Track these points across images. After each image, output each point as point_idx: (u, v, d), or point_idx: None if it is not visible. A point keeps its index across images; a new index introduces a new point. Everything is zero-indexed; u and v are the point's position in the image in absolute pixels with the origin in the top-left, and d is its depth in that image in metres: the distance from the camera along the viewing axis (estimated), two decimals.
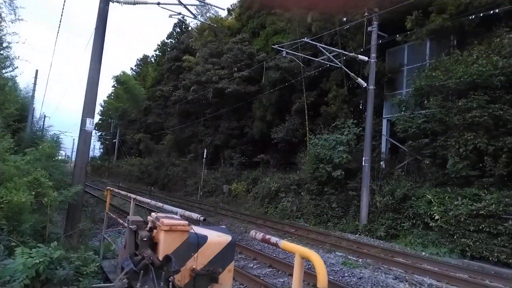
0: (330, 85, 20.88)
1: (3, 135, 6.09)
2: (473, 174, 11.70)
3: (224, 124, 29.23)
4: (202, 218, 3.33)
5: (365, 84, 15.33)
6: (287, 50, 16.53)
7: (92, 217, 12.92)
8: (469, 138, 11.45)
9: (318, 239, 12.41)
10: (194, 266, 2.71)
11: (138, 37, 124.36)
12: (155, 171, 36.46)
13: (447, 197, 11.88)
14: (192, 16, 11.74)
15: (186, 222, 2.74)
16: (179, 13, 11.06)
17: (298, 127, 22.60)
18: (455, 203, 11.33)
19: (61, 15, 16.42)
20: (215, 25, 29.44)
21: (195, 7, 29.73)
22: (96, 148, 69.39)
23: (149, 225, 2.82)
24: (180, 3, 10.91)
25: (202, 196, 26.80)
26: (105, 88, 70.10)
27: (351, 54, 15.33)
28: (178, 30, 44.88)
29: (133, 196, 5.74)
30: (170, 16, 11.20)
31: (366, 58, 15.34)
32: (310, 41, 14.98)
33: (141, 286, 2.07)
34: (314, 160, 16.89)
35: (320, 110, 21.19)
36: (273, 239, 2.70)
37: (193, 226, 2.86)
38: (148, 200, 4.92)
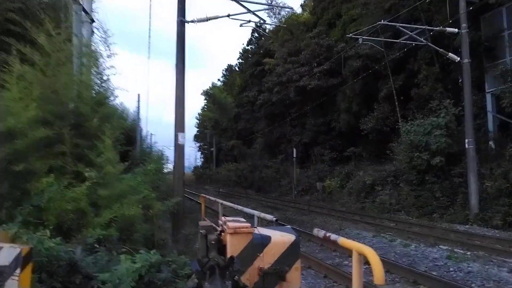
0: (418, 65, 19.30)
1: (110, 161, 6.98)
2: None
3: (310, 121, 29.04)
4: (275, 219, 3.43)
5: (458, 58, 13.84)
6: (363, 37, 15.80)
7: (196, 222, 13.99)
8: None
9: (421, 232, 11.56)
10: (261, 266, 2.82)
11: (224, 49, 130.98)
12: (250, 174, 37.82)
13: None
14: (262, 21, 12.00)
15: (249, 224, 2.87)
16: (249, 21, 11.40)
17: (389, 114, 21.35)
18: None
19: (149, 43, 18.16)
20: (285, 26, 29.44)
21: (267, 11, 30.18)
22: (198, 158, 74.80)
23: (219, 229, 3.02)
24: (249, 11, 11.25)
25: (297, 195, 26.97)
26: (198, 102, 75.25)
27: (437, 28, 13.99)
28: (257, 35, 45.98)
29: (220, 201, 6.12)
30: (241, 25, 11.61)
31: (456, 30, 13.85)
32: (387, 23, 14.09)
33: (209, 285, 2.25)
34: (409, 148, 15.80)
35: (411, 93, 19.71)
36: (333, 236, 2.67)
37: (258, 228, 2.97)
38: (231, 204, 5.20)
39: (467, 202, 13.41)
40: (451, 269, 7.12)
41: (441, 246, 9.25)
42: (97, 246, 4.98)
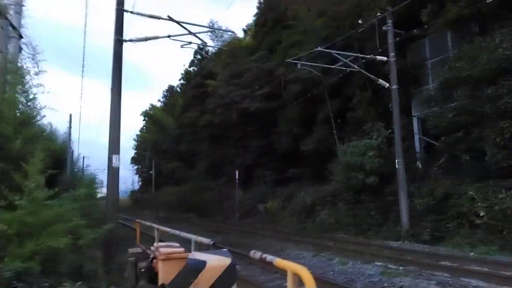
0: (353, 90, 20.55)
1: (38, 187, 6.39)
2: None
3: (252, 143, 29.32)
4: (211, 242, 3.30)
5: (387, 84, 14.94)
6: (301, 62, 16.50)
7: None
8: (504, 126, 10.83)
9: (357, 250, 11.96)
10: None
11: (164, 69, 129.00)
12: (192, 197, 36.92)
13: (490, 191, 11.20)
14: (203, 44, 12.04)
15: (183, 249, 2.72)
16: (190, 42, 11.37)
17: (327, 136, 22.22)
18: (500, 196, 10.66)
19: (83, 61, 17.35)
20: (227, 49, 29.99)
21: (209, 33, 30.54)
22: (135, 181, 71.56)
23: (151, 255, 2.82)
24: (190, 33, 11.22)
25: (240, 218, 26.75)
26: (137, 123, 72.93)
27: (368, 56, 15.04)
28: (199, 57, 46.12)
29: (156, 226, 5.83)
30: (182, 46, 11.53)
31: (385, 58, 14.99)
32: (324, 50, 14.88)
33: None
34: (345, 168, 16.48)
35: (347, 116, 20.80)
36: (269, 258, 2.62)
37: (193, 252, 2.82)
38: (167, 229, 4.96)
39: (399, 219, 14.19)
40: (385, 284, 7.39)
41: (376, 263, 9.62)
42: (15, 282, 4.46)
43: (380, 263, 9.54)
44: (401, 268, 8.96)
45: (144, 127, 58.19)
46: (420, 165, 16.17)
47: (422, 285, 7.14)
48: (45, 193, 5.79)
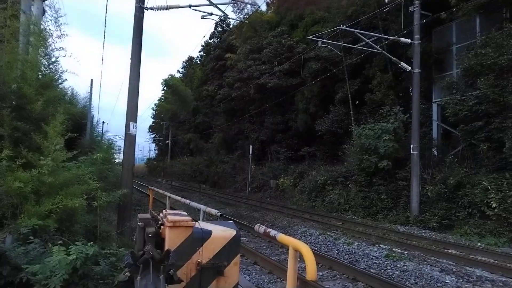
0: (373, 72, 20.13)
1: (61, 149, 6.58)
2: None
3: (268, 119, 29.30)
4: (219, 213, 3.42)
5: (409, 68, 14.58)
6: (323, 40, 16.17)
7: None
8: None
9: (364, 231, 12.08)
10: (199, 260, 2.81)
11: (184, 40, 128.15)
12: (206, 169, 37.51)
13: (505, 183, 11.02)
14: (224, 16, 11.89)
15: (190, 218, 2.84)
16: (211, 13, 11.23)
17: (343, 117, 22.05)
18: None
19: (105, 26, 17.39)
20: (249, 22, 29.50)
21: (231, 5, 30.01)
22: (152, 150, 72.90)
23: (160, 222, 2.95)
24: (211, 3, 11.09)
25: (251, 192, 27.15)
26: (156, 92, 73.35)
27: (392, 37, 14.62)
28: (220, 29, 45.57)
29: (167, 194, 6.00)
30: (203, 17, 11.42)
31: (409, 40, 14.56)
32: (347, 28, 14.51)
33: (141, 279, 2.19)
34: (359, 151, 16.41)
35: (365, 98, 20.49)
36: (272, 232, 2.72)
37: (200, 222, 2.94)
38: (179, 198, 5.12)
39: (408, 204, 14.19)
40: (388, 267, 7.50)
41: (381, 245, 9.73)
42: (32, 237, 4.71)
43: (386, 246, 9.65)
44: (406, 252, 9.06)
45: (163, 97, 58.54)
46: (435, 152, 15.94)
47: (426, 270, 7.22)
48: (64, 155, 6.00)
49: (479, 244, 10.41)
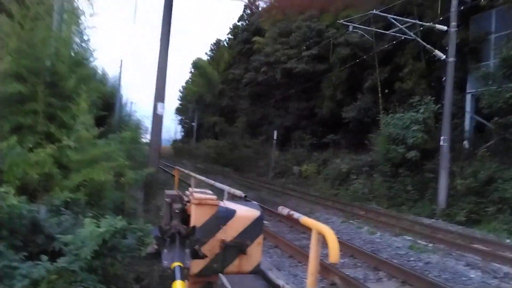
0: (405, 59, 19.49)
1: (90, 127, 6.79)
2: None
3: (293, 105, 29.07)
4: (243, 195, 3.45)
5: (444, 56, 14.00)
6: (354, 25, 15.73)
7: None
8: None
9: (388, 222, 11.91)
10: (223, 238, 2.86)
11: (213, 22, 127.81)
12: (229, 152, 37.82)
13: None
14: None
15: (215, 197, 2.88)
16: None
17: (371, 105, 21.58)
18: None
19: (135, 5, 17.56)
20: (277, 5, 29.05)
21: None
22: (178, 131, 74.05)
23: (186, 199, 3.01)
24: None
25: (273, 177, 27.22)
26: (184, 74, 73.93)
27: (427, 24, 14.04)
28: (249, 11, 45.18)
29: (192, 174, 6.11)
30: None
31: (445, 28, 13.94)
32: (379, 13, 14.04)
33: (167, 252, 2.25)
34: (386, 140, 16.06)
35: (395, 86, 19.92)
36: (296, 215, 2.71)
37: (225, 201, 2.97)
38: (204, 178, 5.19)
39: (435, 197, 13.84)
40: (411, 258, 7.39)
41: (405, 237, 9.58)
42: (64, 209, 4.90)
43: (410, 238, 9.49)
44: (430, 245, 8.88)
45: (190, 79, 59.05)
46: (466, 145, 15.41)
47: (450, 264, 7.07)
48: (93, 132, 6.16)
49: (508, 240, 10.06)
